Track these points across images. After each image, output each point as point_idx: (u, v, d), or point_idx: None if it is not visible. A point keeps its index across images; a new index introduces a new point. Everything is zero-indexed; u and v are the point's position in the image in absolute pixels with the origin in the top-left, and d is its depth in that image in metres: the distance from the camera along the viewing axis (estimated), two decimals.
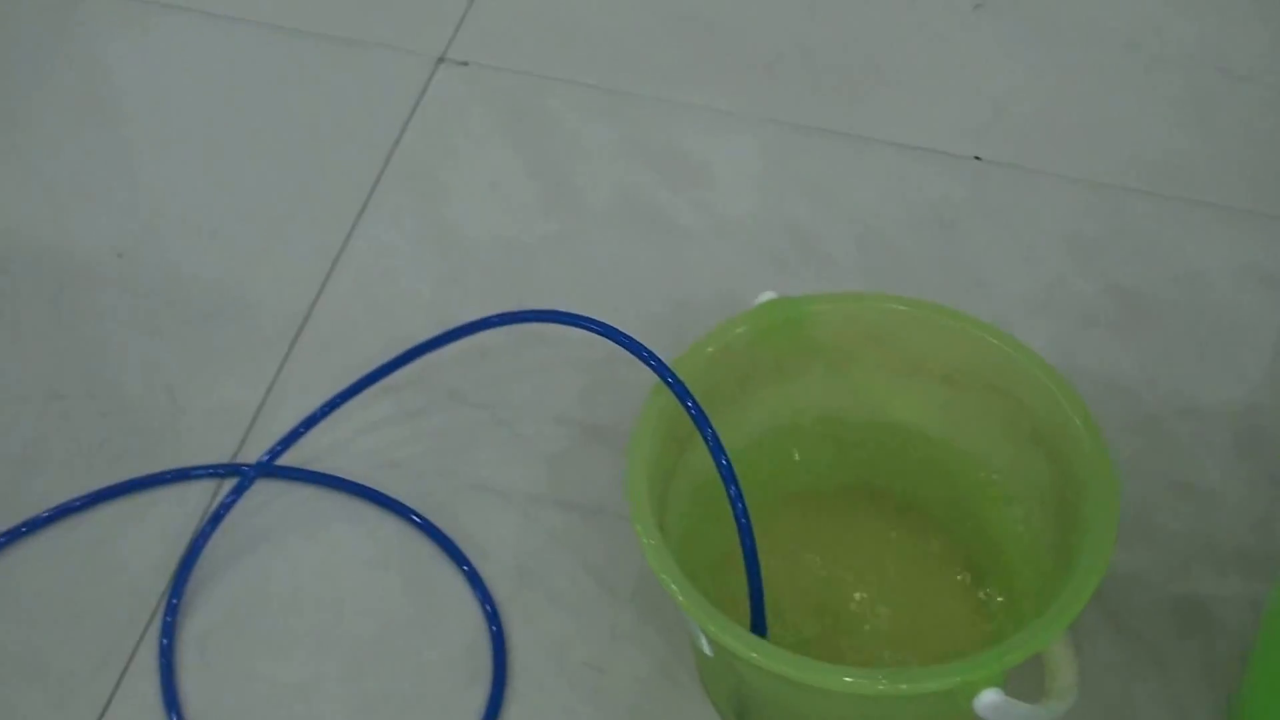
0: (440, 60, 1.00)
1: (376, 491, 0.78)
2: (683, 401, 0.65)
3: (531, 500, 0.78)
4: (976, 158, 0.94)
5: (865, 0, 1.03)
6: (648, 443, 0.65)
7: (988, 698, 0.58)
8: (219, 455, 0.80)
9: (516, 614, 0.74)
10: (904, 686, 0.58)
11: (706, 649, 0.62)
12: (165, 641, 0.72)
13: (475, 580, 0.75)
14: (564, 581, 0.75)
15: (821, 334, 0.70)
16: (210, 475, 0.79)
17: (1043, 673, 0.61)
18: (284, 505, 0.78)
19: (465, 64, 1.00)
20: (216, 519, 0.76)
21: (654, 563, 0.61)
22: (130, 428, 0.81)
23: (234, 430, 0.81)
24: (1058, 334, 0.84)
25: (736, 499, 0.64)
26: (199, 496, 0.78)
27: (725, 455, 0.64)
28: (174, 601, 0.74)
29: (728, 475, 0.64)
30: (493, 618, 0.73)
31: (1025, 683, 0.60)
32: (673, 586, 0.60)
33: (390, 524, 0.77)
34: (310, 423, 0.78)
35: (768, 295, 0.70)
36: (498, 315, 0.71)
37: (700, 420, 0.65)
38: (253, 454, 0.79)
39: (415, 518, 0.77)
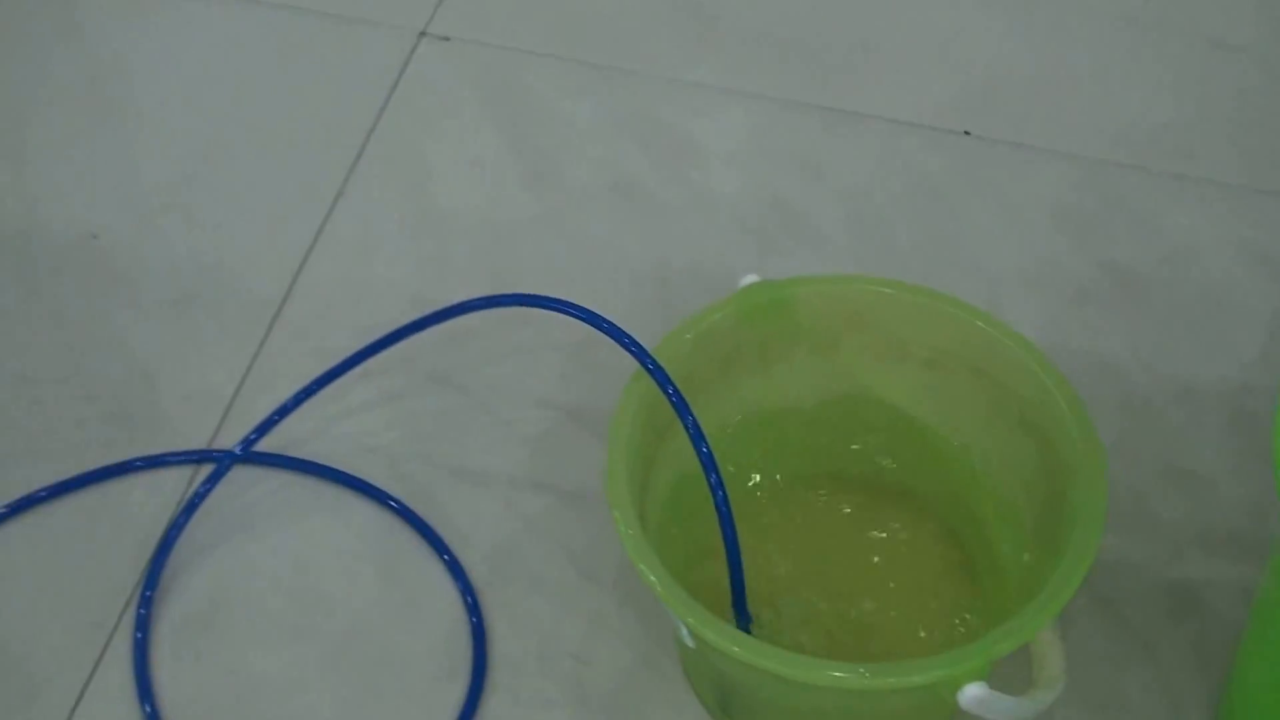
0: (421, 35, 0.98)
1: (355, 477, 0.77)
2: (663, 389, 0.64)
3: (512, 484, 0.77)
4: (966, 132, 0.92)
5: None
6: (628, 430, 0.64)
7: (972, 691, 0.57)
8: (195, 441, 0.79)
9: (496, 602, 0.73)
10: (889, 680, 0.57)
11: (688, 641, 0.61)
12: (140, 635, 0.71)
13: (456, 569, 0.73)
14: (545, 568, 0.74)
15: (805, 318, 0.69)
16: (185, 462, 0.77)
17: (1029, 662, 0.60)
18: (261, 492, 0.77)
19: (447, 39, 0.98)
20: (191, 507, 0.75)
21: (633, 553, 0.60)
22: (104, 413, 0.80)
23: (210, 415, 0.79)
24: (1048, 311, 0.83)
25: (717, 487, 0.63)
26: (174, 484, 0.77)
27: (706, 443, 0.63)
28: (148, 593, 0.72)
29: (708, 463, 0.63)
30: (473, 609, 0.72)
31: (1012, 672, 0.59)
32: (652, 578, 0.59)
33: (369, 510, 0.76)
34: (287, 408, 0.77)
35: (750, 278, 0.69)
36: (477, 299, 0.69)
37: (680, 407, 0.63)
38: (229, 439, 0.78)
39: (394, 504, 0.76)
